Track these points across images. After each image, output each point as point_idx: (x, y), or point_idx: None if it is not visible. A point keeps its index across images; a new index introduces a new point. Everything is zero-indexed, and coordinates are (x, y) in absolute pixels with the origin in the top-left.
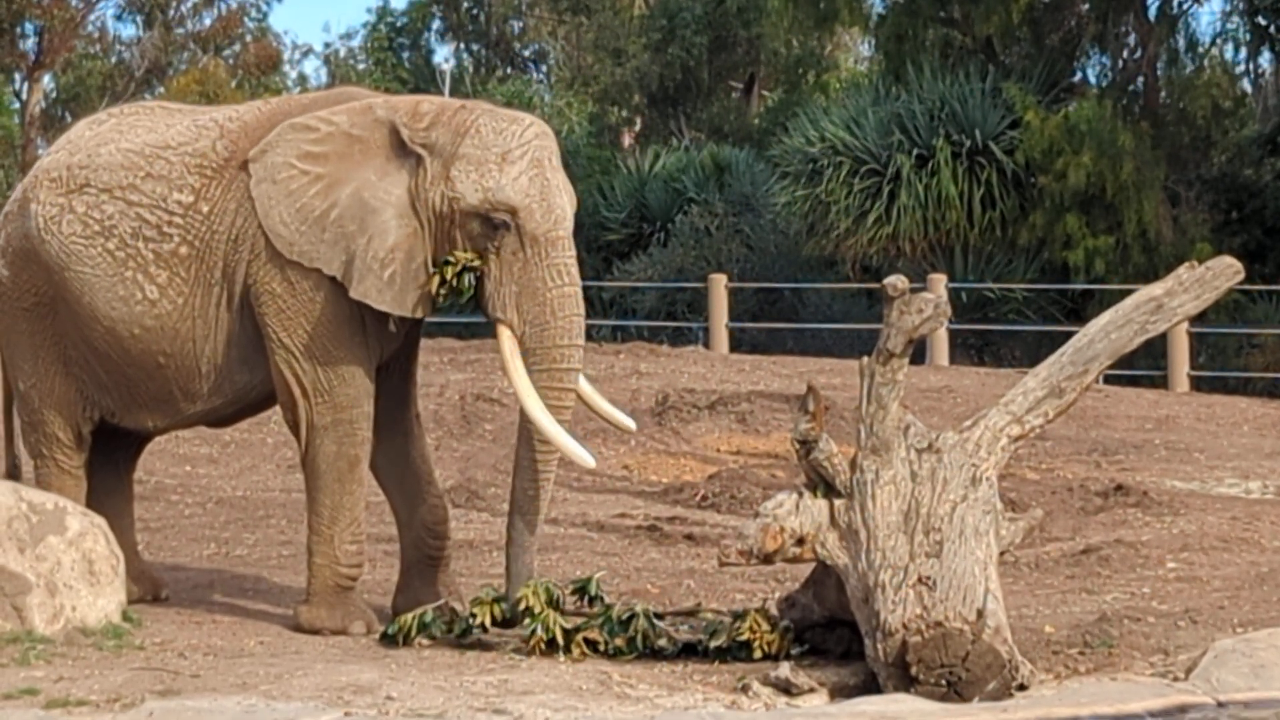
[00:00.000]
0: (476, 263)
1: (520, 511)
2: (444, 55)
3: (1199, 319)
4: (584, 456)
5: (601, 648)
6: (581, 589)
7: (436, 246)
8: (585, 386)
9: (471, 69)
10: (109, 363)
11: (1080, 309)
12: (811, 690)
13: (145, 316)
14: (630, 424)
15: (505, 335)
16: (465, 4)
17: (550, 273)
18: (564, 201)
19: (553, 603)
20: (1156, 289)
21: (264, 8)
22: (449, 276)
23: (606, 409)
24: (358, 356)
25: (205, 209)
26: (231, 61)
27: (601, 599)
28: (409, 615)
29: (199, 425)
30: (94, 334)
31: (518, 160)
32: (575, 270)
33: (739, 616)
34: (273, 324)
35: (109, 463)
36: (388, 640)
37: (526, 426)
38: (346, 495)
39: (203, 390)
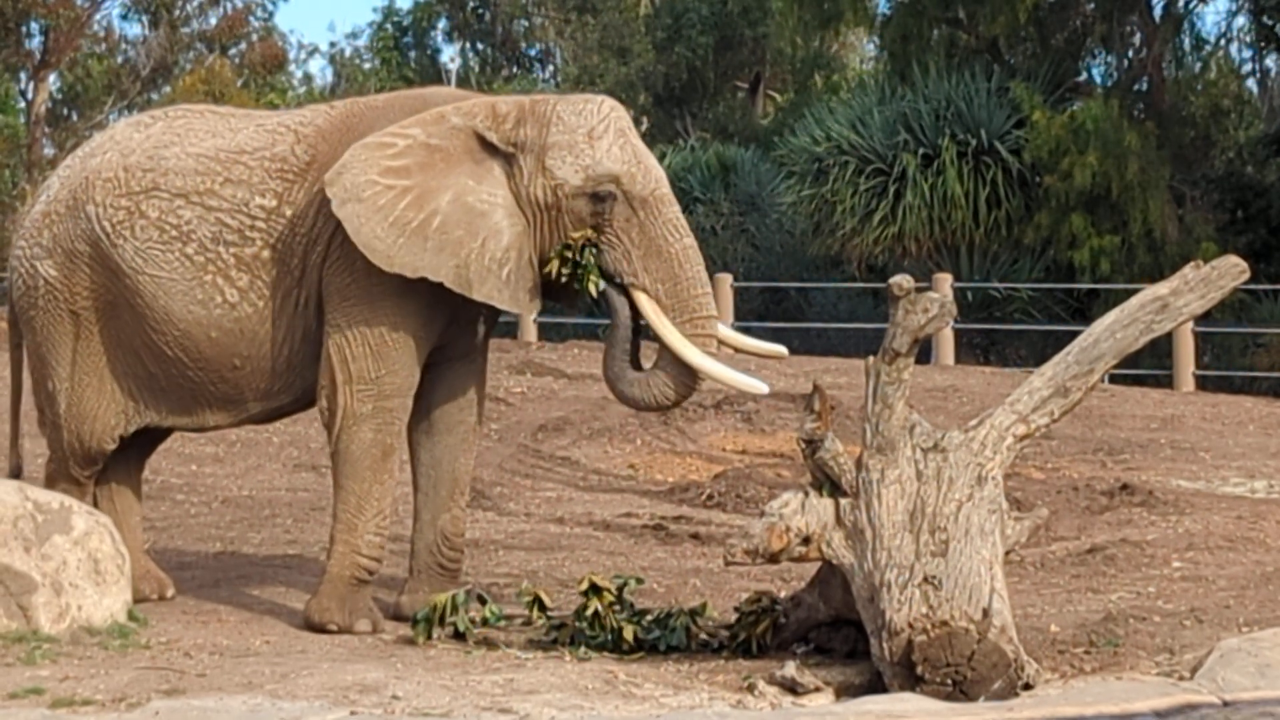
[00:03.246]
0: (592, 236)
1: (640, 394)
2: (450, 54)
3: (1204, 318)
4: (757, 385)
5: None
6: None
7: (543, 240)
8: (726, 330)
9: (477, 68)
10: (176, 366)
11: (1086, 308)
12: (817, 689)
13: (224, 320)
14: (782, 350)
15: (643, 299)
16: (471, 3)
17: (668, 229)
18: (656, 162)
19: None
20: (1162, 288)
21: (269, 7)
22: (569, 264)
23: (754, 345)
24: (411, 350)
25: (288, 213)
26: (237, 61)
27: (631, 604)
28: (442, 596)
29: (255, 421)
30: (165, 338)
31: (604, 134)
32: (685, 223)
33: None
34: (334, 310)
35: (120, 461)
36: (418, 625)
37: (670, 364)
38: (377, 484)
39: (274, 389)
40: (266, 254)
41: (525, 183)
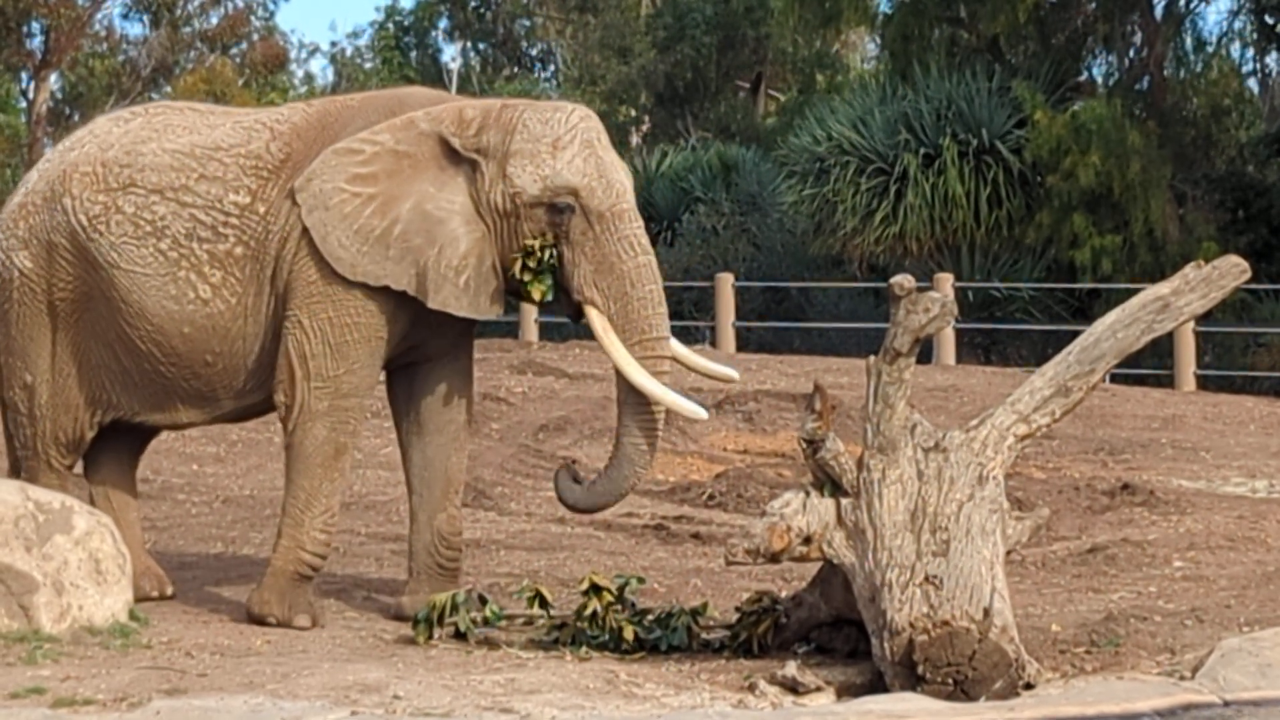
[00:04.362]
0: (550, 240)
1: (631, 461)
2: (451, 54)
3: (1205, 318)
4: (696, 410)
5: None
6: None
7: (504, 246)
8: (681, 349)
9: (478, 68)
10: (149, 361)
11: (1087, 308)
12: (818, 689)
13: (197, 315)
14: (734, 374)
15: (593, 315)
16: (473, 3)
17: (622, 246)
18: (622, 176)
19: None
20: (1163, 288)
21: (271, 6)
22: (531, 263)
23: (708, 366)
24: (372, 351)
25: (261, 210)
26: (238, 60)
27: (633, 603)
28: (443, 595)
29: (230, 420)
30: (138, 333)
31: (569, 145)
32: (646, 240)
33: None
34: (297, 305)
35: (114, 460)
36: (419, 625)
37: (629, 394)
38: (326, 482)
39: (247, 387)
40: (239, 250)
41: (486, 189)
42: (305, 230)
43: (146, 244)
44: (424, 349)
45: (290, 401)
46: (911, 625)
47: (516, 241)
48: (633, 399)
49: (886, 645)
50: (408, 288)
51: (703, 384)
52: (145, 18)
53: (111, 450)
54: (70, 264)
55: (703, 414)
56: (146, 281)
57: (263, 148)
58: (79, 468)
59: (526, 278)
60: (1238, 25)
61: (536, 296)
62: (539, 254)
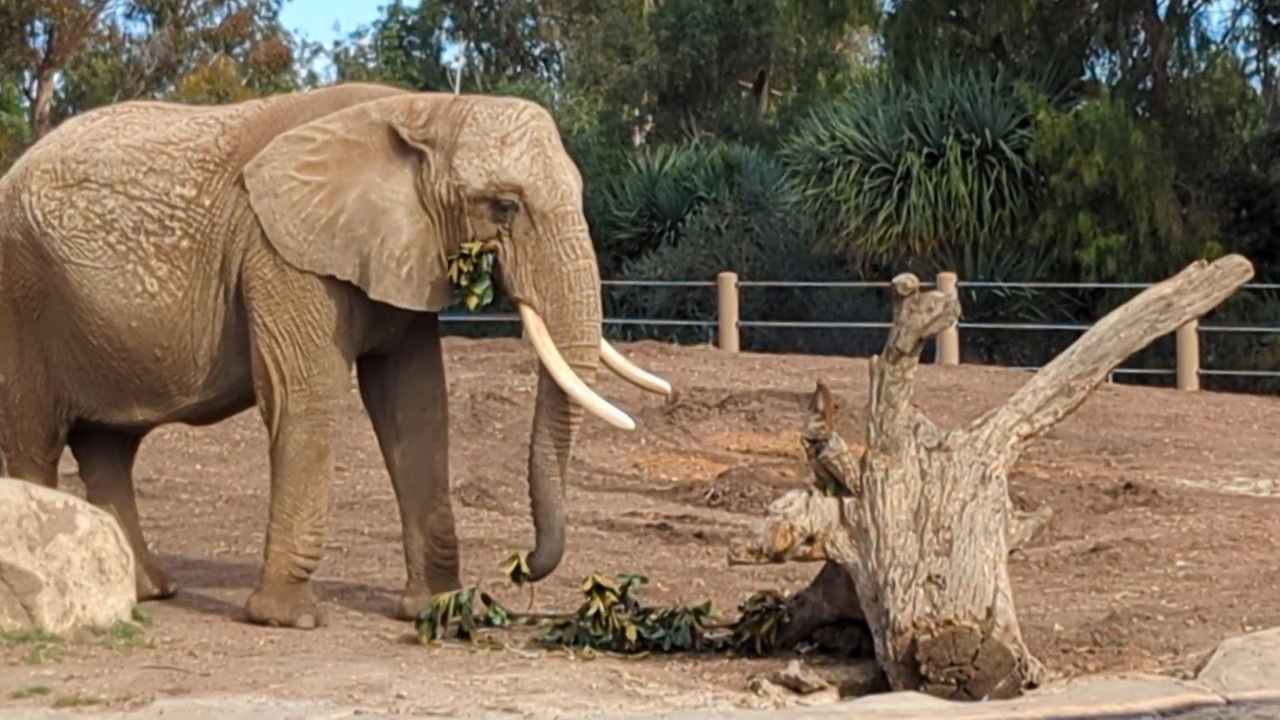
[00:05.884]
0: (489, 246)
1: (544, 475)
2: (454, 54)
3: (1208, 317)
4: (623, 419)
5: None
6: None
7: (448, 239)
8: (616, 357)
9: (481, 67)
10: (101, 357)
11: (1090, 308)
12: (821, 688)
13: (144, 309)
14: (665, 386)
15: (528, 314)
16: (476, 2)
17: (564, 248)
18: (569, 178)
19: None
20: (1166, 287)
21: (274, 6)
22: (467, 267)
23: (640, 375)
24: (340, 348)
25: (207, 203)
26: (241, 60)
27: (636, 603)
28: (446, 595)
29: (188, 420)
30: (89, 328)
31: (517, 142)
32: (588, 244)
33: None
34: (259, 308)
35: (107, 459)
36: (422, 625)
37: (548, 395)
38: (311, 485)
39: (198, 383)
40: (185, 244)
41: (431, 180)
42: (256, 222)
43: (96, 238)
44: (385, 345)
45: (271, 406)
46: (914, 625)
47: (461, 235)
48: (552, 403)
49: (889, 645)
50: (352, 277)
51: (705, 384)
52: (148, 17)
53: (104, 449)
54: (27, 260)
55: (629, 424)
56: (96, 275)
57: (211, 141)
58: (76, 468)
59: (463, 282)
60: (1241, 24)
61: (472, 303)
62: (474, 259)
